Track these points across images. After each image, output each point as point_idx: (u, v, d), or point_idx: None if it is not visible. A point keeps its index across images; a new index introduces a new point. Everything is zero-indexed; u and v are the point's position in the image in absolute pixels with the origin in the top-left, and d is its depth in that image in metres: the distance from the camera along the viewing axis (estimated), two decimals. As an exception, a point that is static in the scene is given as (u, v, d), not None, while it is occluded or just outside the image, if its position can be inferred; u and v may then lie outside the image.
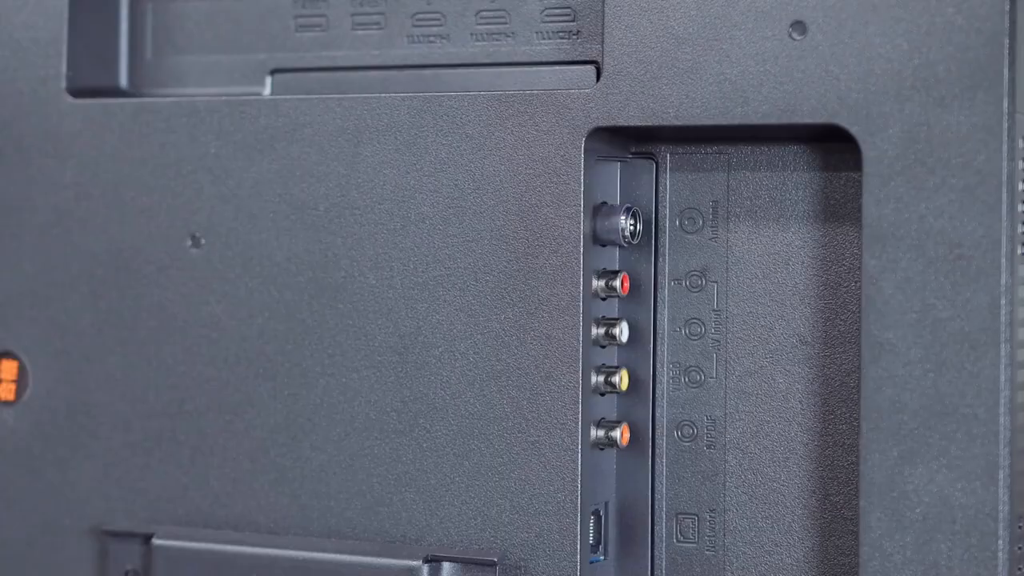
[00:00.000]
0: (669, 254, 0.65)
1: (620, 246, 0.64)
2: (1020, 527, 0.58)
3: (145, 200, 0.69)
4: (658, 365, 0.65)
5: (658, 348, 0.65)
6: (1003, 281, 0.56)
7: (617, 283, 0.64)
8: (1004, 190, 0.57)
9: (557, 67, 0.66)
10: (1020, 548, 0.59)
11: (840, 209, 0.62)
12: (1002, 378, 0.57)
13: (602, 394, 0.64)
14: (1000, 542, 0.57)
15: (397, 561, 0.64)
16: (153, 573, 0.67)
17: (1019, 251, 0.58)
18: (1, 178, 0.71)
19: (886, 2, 0.58)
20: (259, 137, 0.67)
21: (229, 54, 0.71)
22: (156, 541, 0.67)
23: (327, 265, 0.66)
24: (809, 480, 0.62)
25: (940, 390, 0.57)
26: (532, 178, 0.63)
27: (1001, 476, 0.57)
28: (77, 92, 0.71)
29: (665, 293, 0.65)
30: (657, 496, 0.65)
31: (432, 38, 0.68)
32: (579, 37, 0.66)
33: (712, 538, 0.64)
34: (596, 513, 0.64)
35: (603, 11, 0.62)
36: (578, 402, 0.62)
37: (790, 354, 0.63)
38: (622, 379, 0.64)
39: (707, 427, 0.64)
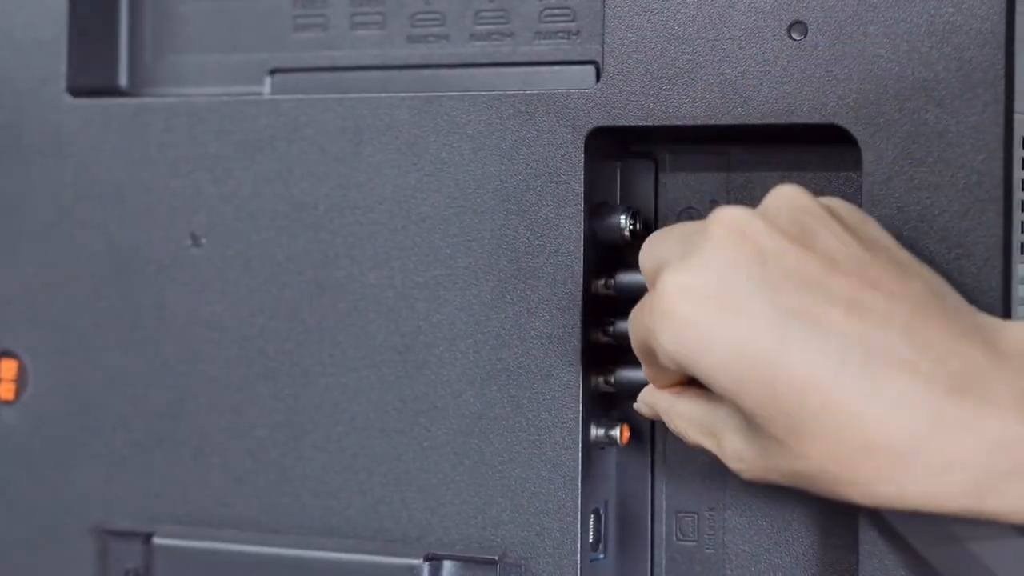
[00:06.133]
0: (669, 253, 0.65)
1: (620, 245, 0.64)
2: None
3: (145, 200, 0.69)
4: (658, 364, 0.65)
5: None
6: (1002, 281, 0.57)
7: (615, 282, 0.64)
8: (1003, 189, 0.57)
9: (557, 67, 0.66)
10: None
11: (839, 209, 0.62)
12: (1001, 377, 0.57)
13: (602, 393, 0.64)
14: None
15: (398, 560, 0.64)
16: (153, 572, 0.67)
17: (1019, 251, 0.58)
18: (1, 178, 0.71)
19: (885, 2, 0.58)
20: (259, 137, 0.67)
21: (229, 54, 0.71)
22: (156, 540, 0.67)
23: (327, 265, 0.66)
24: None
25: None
26: (532, 178, 0.63)
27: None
28: (77, 92, 0.71)
29: (665, 292, 0.65)
30: (657, 494, 0.65)
31: (432, 38, 0.68)
32: (579, 37, 0.66)
33: (712, 536, 0.64)
34: (596, 512, 0.64)
35: (603, 11, 0.62)
36: (578, 401, 0.62)
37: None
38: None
39: (706, 426, 0.64)
